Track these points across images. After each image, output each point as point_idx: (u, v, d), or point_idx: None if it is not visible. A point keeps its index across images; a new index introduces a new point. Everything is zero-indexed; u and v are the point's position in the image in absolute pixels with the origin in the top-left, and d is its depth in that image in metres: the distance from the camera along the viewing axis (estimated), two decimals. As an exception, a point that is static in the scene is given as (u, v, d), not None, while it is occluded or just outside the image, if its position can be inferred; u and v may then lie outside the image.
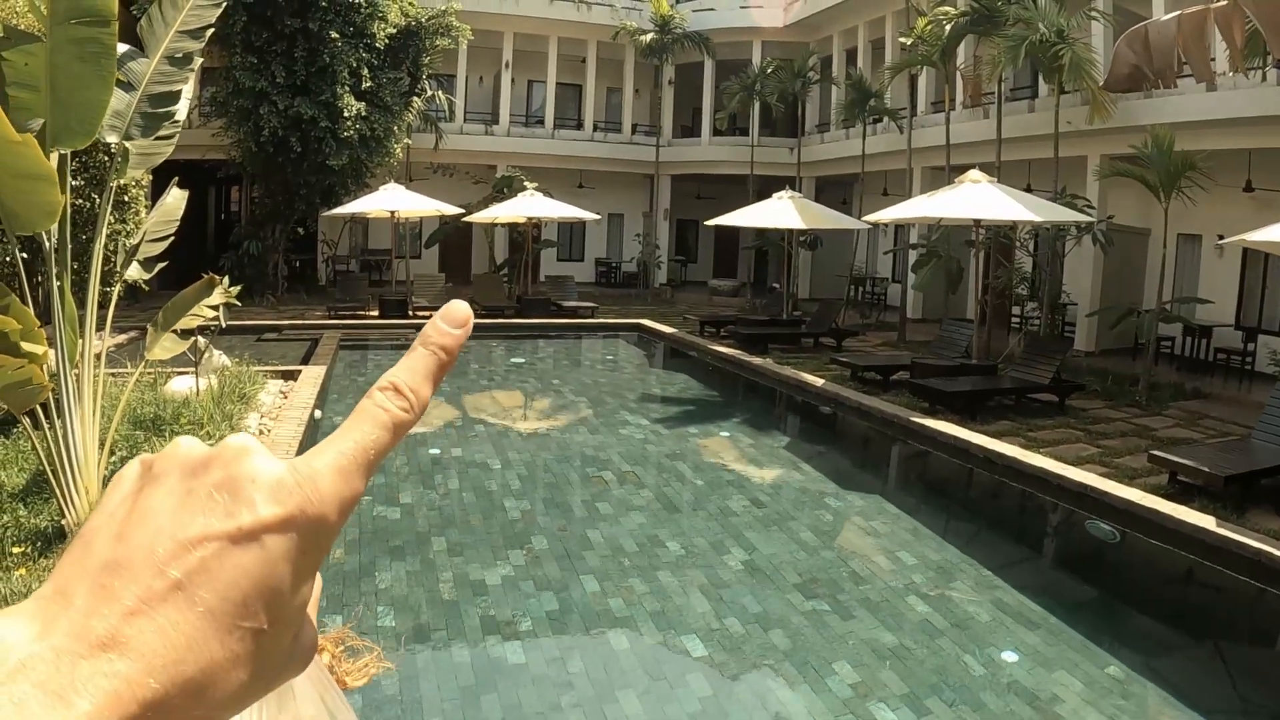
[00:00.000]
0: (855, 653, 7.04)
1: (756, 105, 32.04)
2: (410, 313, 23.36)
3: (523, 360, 21.21)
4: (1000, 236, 20.31)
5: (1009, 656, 7.11)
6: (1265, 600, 8.54)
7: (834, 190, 34.83)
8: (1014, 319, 23.14)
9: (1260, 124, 17.19)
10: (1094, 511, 10.38)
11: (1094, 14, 20.37)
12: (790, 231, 23.88)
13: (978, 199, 15.21)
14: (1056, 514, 11.13)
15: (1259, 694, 7.41)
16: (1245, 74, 16.03)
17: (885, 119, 27.58)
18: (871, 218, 19.32)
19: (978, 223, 16.76)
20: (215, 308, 9.09)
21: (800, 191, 27.64)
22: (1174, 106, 18.68)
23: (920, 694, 6.43)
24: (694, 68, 35.26)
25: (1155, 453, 10.84)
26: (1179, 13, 9.67)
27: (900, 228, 26.43)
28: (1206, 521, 9.24)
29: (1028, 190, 20.48)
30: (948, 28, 21.22)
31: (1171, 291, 19.86)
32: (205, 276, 8.89)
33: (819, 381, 16.62)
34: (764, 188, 24.09)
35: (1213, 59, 16.53)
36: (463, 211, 26.38)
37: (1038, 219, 15.57)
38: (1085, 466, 11.24)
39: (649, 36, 32.33)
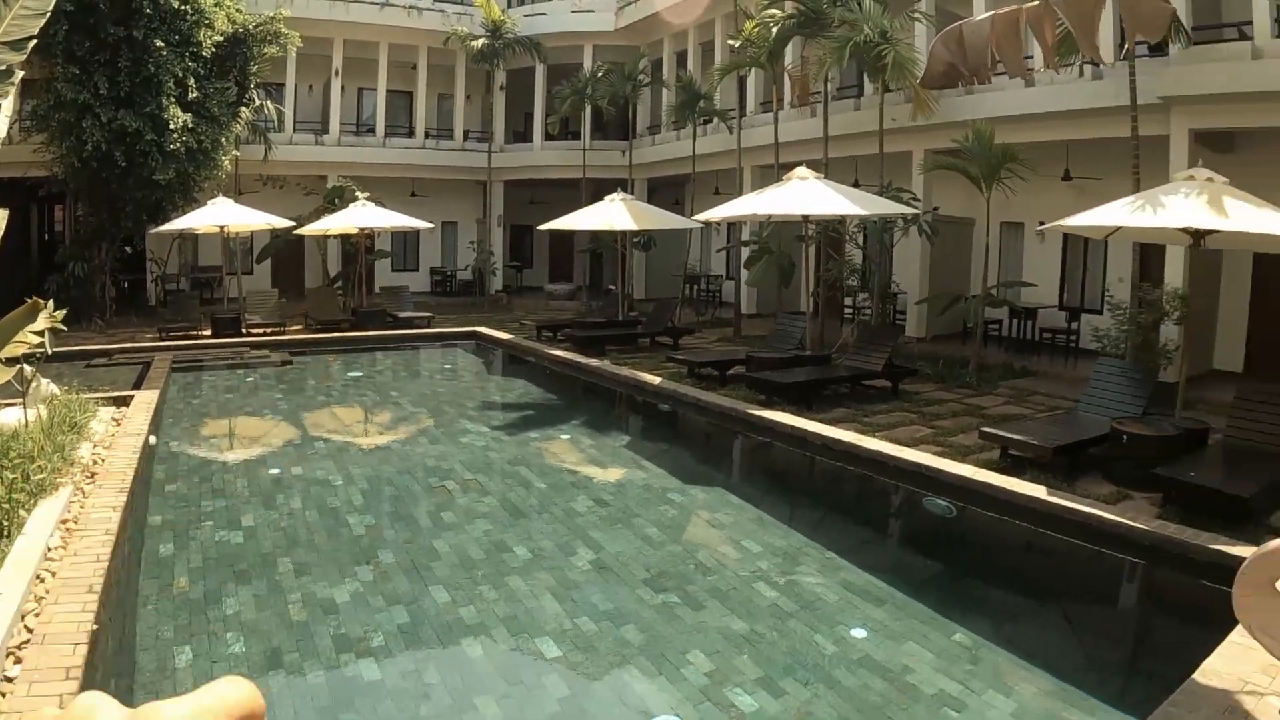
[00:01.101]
0: (708, 642, 7.32)
1: (588, 109, 32.50)
2: (244, 330, 22.87)
3: (360, 374, 21.03)
4: (829, 231, 21.19)
5: (859, 633, 7.52)
6: (1097, 560, 9.34)
7: (667, 191, 35.54)
8: (847, 310, 24.13)
9: (1076, 117, 18.55)
10: (931, 489, 11.09)
11: (916, 15, 21.55)
12: (623, 233, 24.30)
13: (805, 195, 15.89)
14: (895, 494, 11.81)
15: (1097, 647, 8.05)
16: (1057, 69, 17.22)
17: (715, 120, 28.39)
18: (702, 216, 19.92)
19: (806, 218, 17.47)
20: (40, 334, 8.80)
21: (633, 193, 28.14)
22: (994, 102, 19.99)
23: (775, 676, 6.75)
24: (526, 72, 35.48)
25: (986, 430, 11.65)
26: (993, 13, 10.37)
27: (733, 226, 27.24)
28: (1038, 491, 10.06)
29: (855, 185, 21.46)
30: (775, 30, 22.02)
31: (997, 277, 21.15)
32: (29, 301, 8.63)
33: (656, 380, 17.05)
34: (597, 191, 24.52)
35: (1029, 56, 17.77)
36: (294, 224, 25.95)
37: (863, 212, 16.37)
38: (920, 447, 11.94)
39: (480, 42, 32.40)
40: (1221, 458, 10.41)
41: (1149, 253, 16.94)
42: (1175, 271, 15.44)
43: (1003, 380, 17.25)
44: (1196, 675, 5.93)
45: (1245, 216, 9.67)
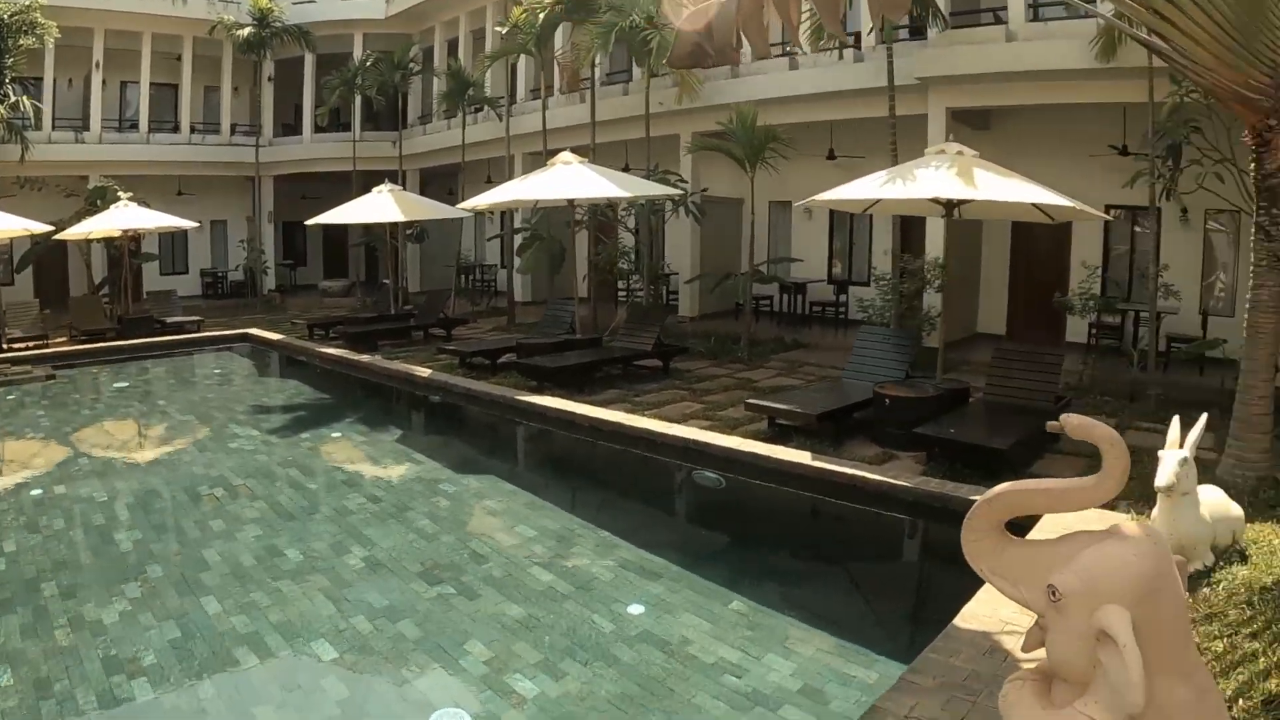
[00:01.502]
0: (485, 630, 7.30)
1: (358, 99, 31.70)
2: (4, 345, 21.32)
3: (126, 384, 19.91)
4: (599, 215, 21.41)
5: (635, 609, 7.62)
6: (864, 519, 9.80)
7: (440, 181, 35.10)
8: (621, 293, 24.42)
9: (839, 98, 19.35)
10: (700, 463, 11.36)
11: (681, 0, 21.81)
12: (395, 225, 23.90)
13: (568, 180, 16.00)
14: (666, 470, 12.03)
15: (870, 601, 8.44)
16: (811, 51, 17.92)
17: (486, 108, 28.18)
18: (467, 204, 19.80)
19: (571, 202, 17.59)
20: None
21: (405, 185, 27.57)
22: (760, 85, 20.65)
23: (554, 659, 6.79)
24: (295, 63, 34.24)
25: (751, 401, 12.04)
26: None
27: (506, 213, 27.12)
28: (803, 457, 10.47)
29: (626, 169, 21.75)
30: (542, 16, 22.05)
31: (767, 254, 21.85)
32: None
33: (426, 372, 16.88)
34: (368, 184, 23.88)
35: (784, 43, 18.40)
36: (53, 229, 24.26)
37: (626, 194, 16.59)
38: (690, 422, 12.20)
39: (247, 31, 31.07)
40: (981, 414, 11.06)
41: (911, 225, 17.81)
42: (935, 242, 16.22)
43: (774, 353, 17.83)
44: (956, 620, 6.28)
45: (992, 186, 10.27)
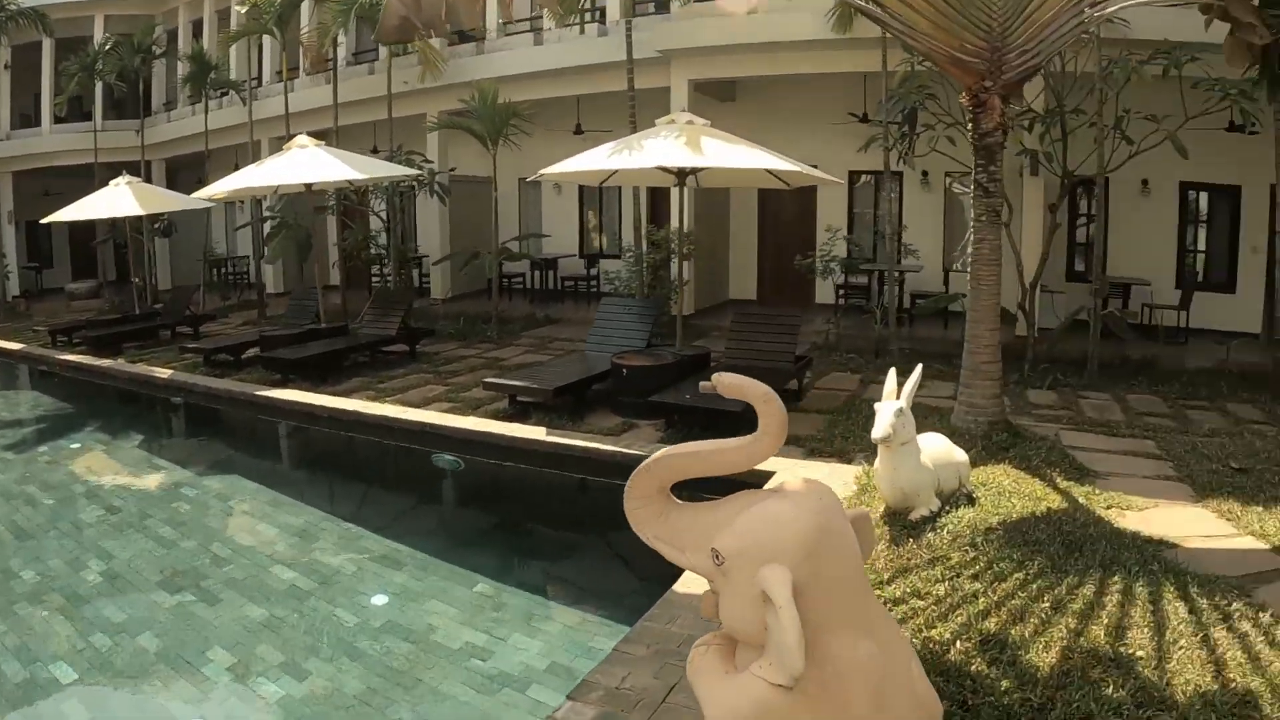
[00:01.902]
0: (227, 635, 7.01)
1: (99, 86, 29.65)
2: None
3: None
4: (344, 199, 20.83)
5: (379, 600, 7.50)
6: (603, 491, 9.75)
7: (189, 171, 32.90)
8: (375, 279, 23.83)
9: (584, 72, 19.32)
10: (439, 446, 11.19)
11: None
12: (139, 219, 22.60)
13: (304, 164, 15.40)
14: (406, 456, 11.79)
15: (613, 573, 8.46)
16: (553, 26, 17.86)
17: (231, 92, 26.94)
18: (203, 193, 18.82)
19: (309, 187, 16.99)
20: None
21: (150, 175, 26.13)
22: (504, 61, 20.46)
23: (298, 659, 6.59)
24: (33, 48, 31.61)
25: (489, 380, 11.90)
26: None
27: (258, 201, 26.02)
28: (538, 433, 10.45)
29: (375, 152, 21.15)
30: (281, -6, 21.21)
31: (519, 231, 21.69)
32: None
33: (167, 373, 16.00)
34: (112, 176, 22.39)
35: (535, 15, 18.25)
36: None
37: (361, 177, 16.09)
38: (432, 406, 12.00)
39: None
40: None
41: (660, 197, 17.96)
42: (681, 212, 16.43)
43: (525, 331, 17.78)
44: (676, 585, 6.34)
45: (719, 153, 10.41)
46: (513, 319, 18.52)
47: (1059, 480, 8.29)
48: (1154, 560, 6.34)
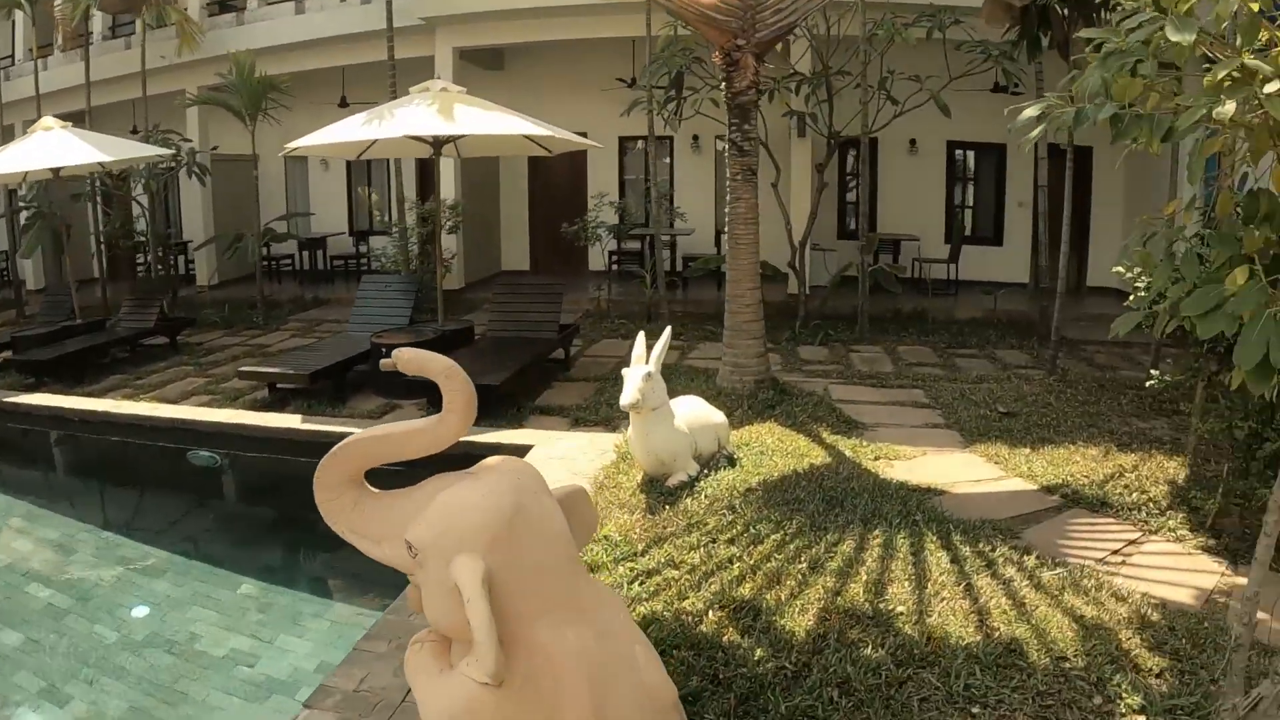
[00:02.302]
0: (-17, 666, 6.28)
1: None
2: None
3: None
4: (99, 185, 19.45)
5: (140, 612, 6.89)
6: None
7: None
8: (140, 267, 22.39)
9: (348, 42, 18.32)
10: (197, 442, 10.32)
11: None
12: None
13: (51, 147, 14.19)
14: (163, 456, 10.88)
15: (376, 564, 7.86)
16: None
17: (-20, 73, 24.85)
18: (-76, 184, 17.31)
19: (56, 173, 15.73)
20: None
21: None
22: (264, 31, 19.27)
23: (59, 683, 5.92)
24: None
25: (243, 369, 11.07)
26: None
27: (12, 191, 24.09)
28: (293, 421, 9.77)
29: (134, 132, 19.79)
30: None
31: (286, 210, 20.67)
32: None
33: (-94, 387, 14.59)
34: None
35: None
36: None
37: (109, 158, 14.93)
38: (191, 399, 11.15)
39: None
40: (484, 351, 10.76)
41: (429, 169, 17.28)
42: (448, 184, 15.83)
43: (293, 314, 16.90)
44: (420, 574, 5.88)
45: (472, 120, 9.93)
46: (281, 303, 17.59)
47: (826, 435, 8.17)
48: (918, 510, 6.22)
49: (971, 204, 18.50)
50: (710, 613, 4.90)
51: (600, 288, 14.74)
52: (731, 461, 7.19)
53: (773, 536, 5.76)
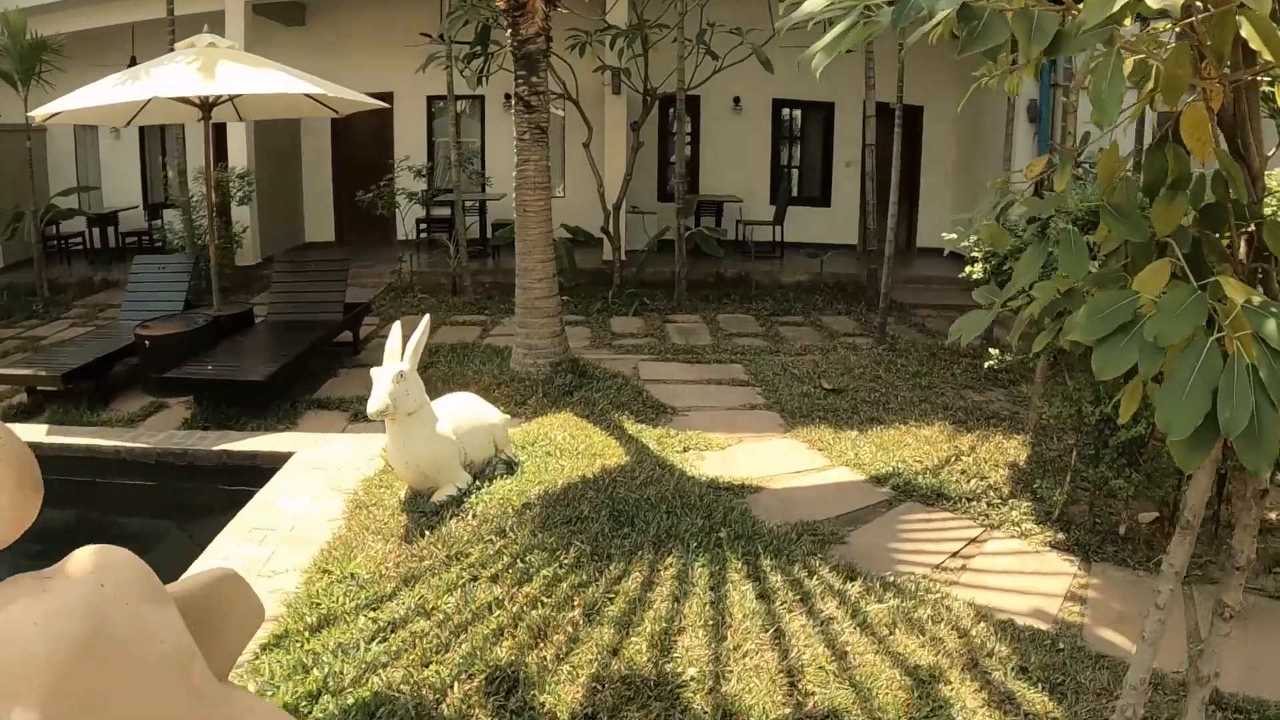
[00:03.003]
0: None
1: None
2: None
3: None
4: None
5: None
6: (119, 494, 7.50)
7: None
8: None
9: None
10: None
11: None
12: None
13: None
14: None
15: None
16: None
17: None
18: None
19: None
20: None
21: None
22: (37, -11, 17.07)
23: None
24: None
25: (-12, 372, 9.18)
26: None
27: None
28: (38, 432, 7.72)
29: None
30: None
31: (77, 183, 18.58)
32: None
33: None
34: None
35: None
36: None
37: None
38: (-66, 408, 9.30)
39: None
40: (259, 339, 9.26)
41: (226, 134, 15.57)
42: (239, 150, 14.21)
43: (78, 299, 14.88)
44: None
45: (238, 79, 8.47)
46: (67, 286, 15.56)
47: (629, 424, 7.06)
48: (724, 523, 5.15)
49: (798, 164, 17.65)
50: (456, 686, 3.71)
51: (403, 259, 13.26)
52: (511, 468, 5.99)
53: (545, 571, 4.59)
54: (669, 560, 4.67)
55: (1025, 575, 4.99)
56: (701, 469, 6.28)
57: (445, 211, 15.08)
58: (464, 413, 5.83)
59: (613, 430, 6.82)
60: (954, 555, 5.18)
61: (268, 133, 14.85)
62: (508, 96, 15.45)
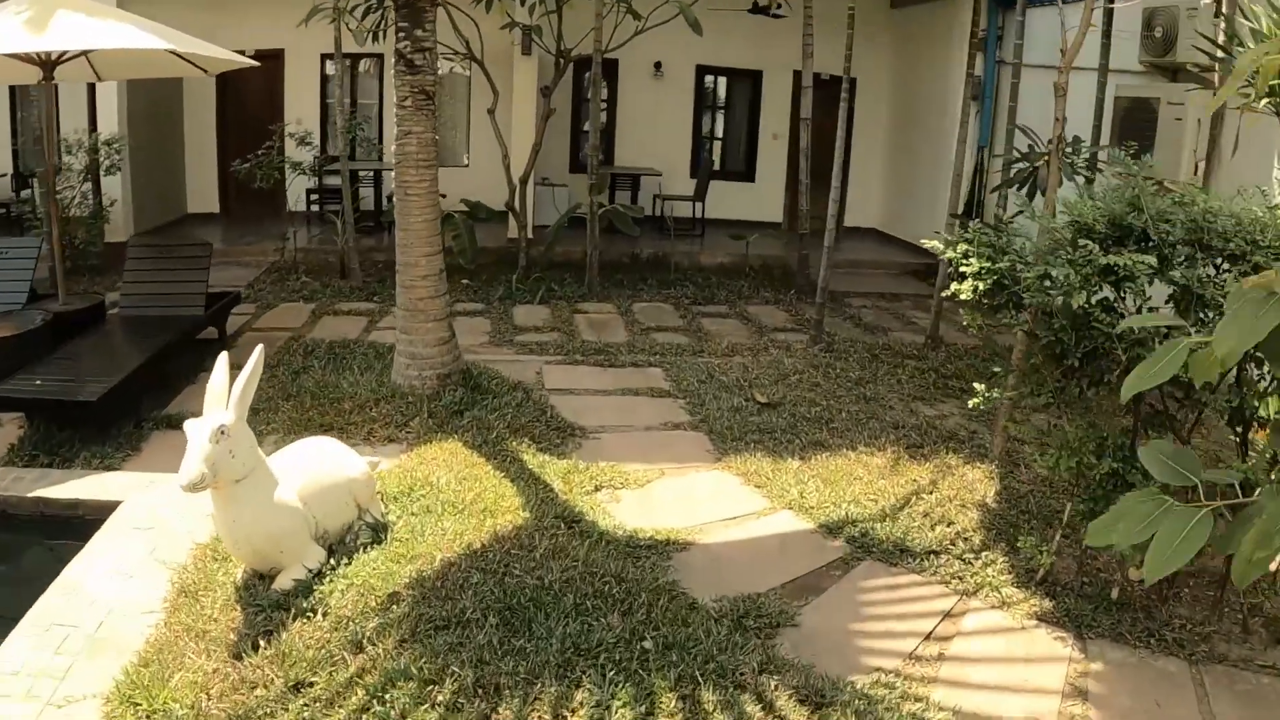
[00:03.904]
0: None
1: None
2: None
3: None
4: None
5: None
6: None
7: None
8: None
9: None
10: None
11: None
12: None
13: None
14: None
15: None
16: None
17: None
18: None
19: None
20: None
21: None
22: None
23: None
24: None
25: None
26: None
27: None
28: None
29: None
30: None
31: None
32: None
33: None
34: None
35: None
36: None
37: None
38: None
39: None
40: (108, 341, 7.70)
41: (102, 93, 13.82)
42: (108, 114, 12.52)
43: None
44: None
45: (68, 33, 6.95)
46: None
47: (529, 455, 5.79)
48: (646, 624, 3.90)
49: (721, 135, 16.38)
50: None
51: (287, 236, 11.65)
52: (379, 533, 4.61)
53: (416, 716, 3.32)
54: (578, 697, 3.40)
55: (1014, 663, 4.05)
56: (616, 516, 5.09)
57: (339, 181, 13.54)
58: (315, 469, 4.42)
59: (509, 467, 5.52)
60: (928, 637, 4.17)
61: (145, 94, 13.16)
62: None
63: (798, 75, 11.71)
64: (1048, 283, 4.02)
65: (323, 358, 7.66)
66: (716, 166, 15.40)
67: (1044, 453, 4.54)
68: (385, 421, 6.20)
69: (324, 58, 14.90)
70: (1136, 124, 8.78)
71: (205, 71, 9.23)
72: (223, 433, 3.82)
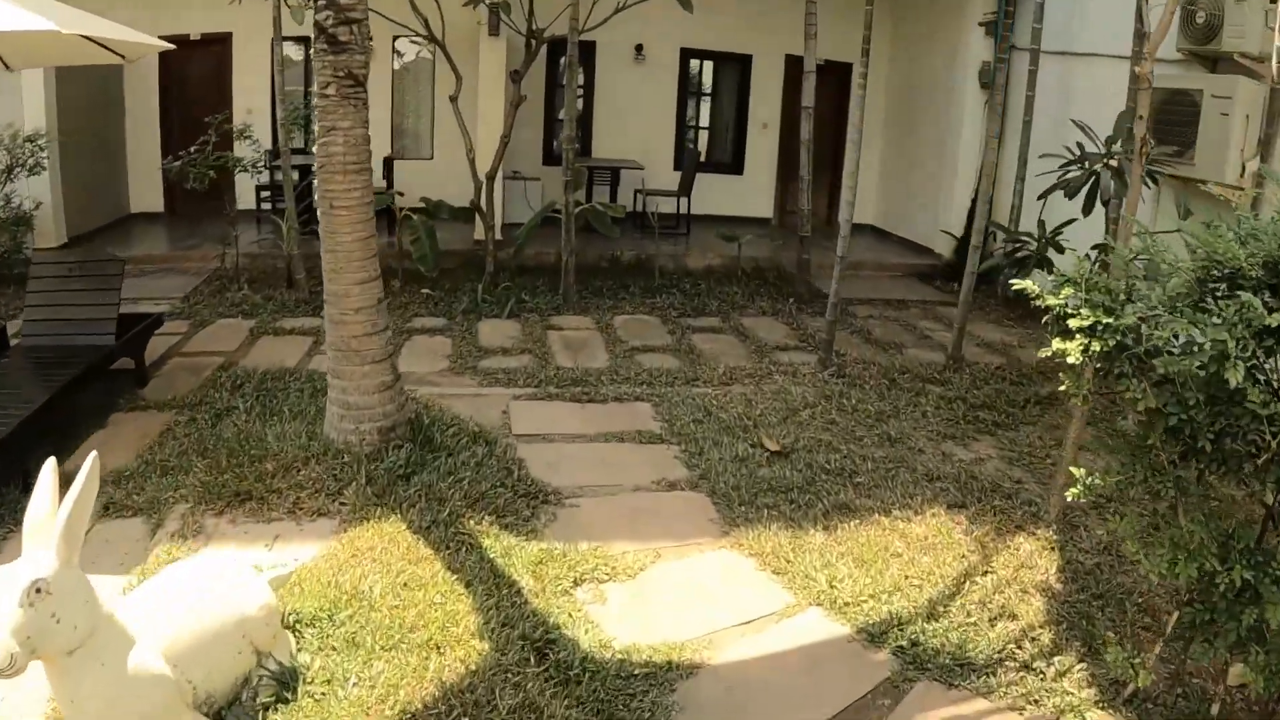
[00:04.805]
0: None
1: None
2: None
3: None
4: None
5: None
6: None
7: None
8: None
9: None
10: None
11: None
12: None
13: None
14: None
15: None
16: None
17: None
18: None
19: None
20: None
21: None
22: None
23: None
24: None
25: None
26: None
27: None
28: None
29: None
30: None
31: None
32: None
33: None
34: None
35: None
36: None
37: None
38: None
39: None
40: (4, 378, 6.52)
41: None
42: (35, 105, 11.28)
43: None
44: None
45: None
46: None
47: (491, 540, 4.59)
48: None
49: (707, 125, 15.28)
50: None
51: (228, 242, 10.40)
52: (285, 687, 3.38)
53: None
54: None
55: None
56: (603, 627, 3.97)
57: (294, 176, 12.35)
58: (191, 611, 3.16)
59: (465, 560, 4.32)
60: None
61: (77, 85, 11.90)
62: (369, 38, 12.78)
63: (790, 59, 10.71)
64: (1192, 347, 2.92)
65: (251, 396, 6.41)
66: (702, 158, 14.28)
67: (1149, 553, 3.46)
68: (314, 489, 4.96)
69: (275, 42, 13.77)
70: (1174, 119, 7.83)
71: (123, 57, 8.05)
72: (39, 590, 2.60)
